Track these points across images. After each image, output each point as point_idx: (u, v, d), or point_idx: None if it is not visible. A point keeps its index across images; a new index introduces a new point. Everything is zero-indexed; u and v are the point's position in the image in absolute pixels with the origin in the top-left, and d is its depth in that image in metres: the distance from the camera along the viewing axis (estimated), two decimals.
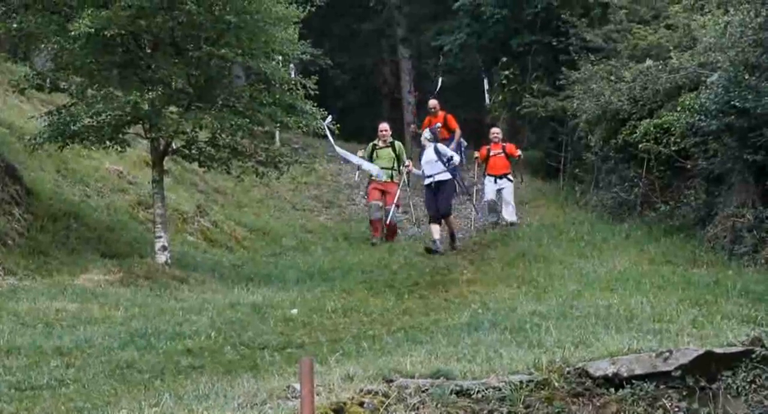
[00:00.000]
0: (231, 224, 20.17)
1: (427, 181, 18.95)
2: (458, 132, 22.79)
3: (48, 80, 15.46)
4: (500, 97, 26.85)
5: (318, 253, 18.61)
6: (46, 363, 9.58)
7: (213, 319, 11.79)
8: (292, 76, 16.27)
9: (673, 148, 17.50)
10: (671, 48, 19.68)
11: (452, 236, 18.82)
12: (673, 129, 17.49)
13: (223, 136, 15.40)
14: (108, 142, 15.41)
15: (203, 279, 15.20)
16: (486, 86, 29.94)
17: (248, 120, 15.07)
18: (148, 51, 15.33)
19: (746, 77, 14.66)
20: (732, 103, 14.71)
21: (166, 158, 16.08)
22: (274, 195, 23.78)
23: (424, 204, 20.43)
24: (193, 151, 15.88)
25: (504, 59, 26.82)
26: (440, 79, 26.98)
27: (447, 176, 18.77)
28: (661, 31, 21.60)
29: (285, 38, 15.47)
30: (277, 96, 15.54)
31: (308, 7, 15.75)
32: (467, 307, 12.39)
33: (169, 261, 15.27)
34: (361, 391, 6.90)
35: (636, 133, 18.41)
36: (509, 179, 20.90)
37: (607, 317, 10.51)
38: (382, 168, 19.79)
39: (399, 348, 9.38)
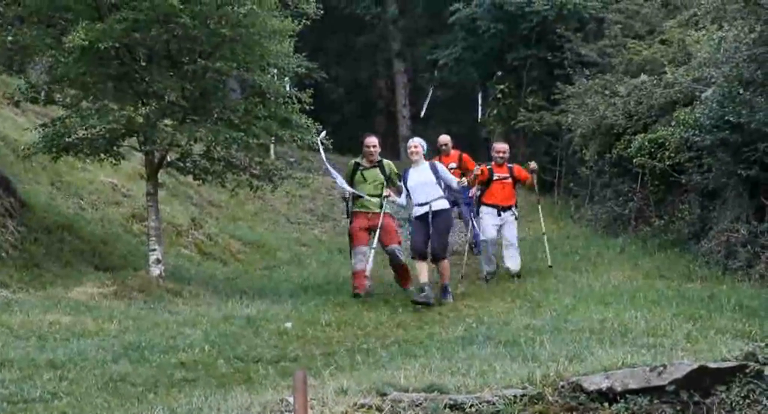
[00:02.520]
0: (225, 237, 20.17)
1: (419, 211, 14.59)
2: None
3: (43, 93, 15.45)
4: (495, 111, 26.93)
5: (312, 267, 18.60)
6: (39, 376, 9.54)
7: (207, 333, 11.77)
8: (287, 89, 16.19)
9: (667, 163, 17.52)
10: (666, 63, 19.74)
11: (444, 288, 14.58)
12: (667, 144, 17.51)
13: (218, 149, 15.36)
14: (102, 155, 15.39)
15: (197, 292, 15.15)
16: (480, 100, 30.03)
17: (243, 133, 15.05)
18: (143, 64, 15.30)
19: (740, 92, 14.62)
20: (726, 118, 14.72)
21: (161, 171, 16.03)
22: (269, 208, 23.85)
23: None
24: (188, 164, 15.87)
25: (499, 73, 26.96)
26: (429, 95, 26.86)
27: (445, 204, 14.69)
28: (656, 46, 21.66)
29: (280, 51, 15.46)
30: (272, 109, 15.54)
31: (303, 20, 15.76)
32: (461, 321, 12.45)
33: (163, 274, 15.23)
34: (355, 404, 6.89)
35: (630, 147, 18.42)
36: (514, 214, 16.46)
37: (601, 331, 10.47)
38: (370, 195, 15.35)
39: (393, 362, 9.39)
